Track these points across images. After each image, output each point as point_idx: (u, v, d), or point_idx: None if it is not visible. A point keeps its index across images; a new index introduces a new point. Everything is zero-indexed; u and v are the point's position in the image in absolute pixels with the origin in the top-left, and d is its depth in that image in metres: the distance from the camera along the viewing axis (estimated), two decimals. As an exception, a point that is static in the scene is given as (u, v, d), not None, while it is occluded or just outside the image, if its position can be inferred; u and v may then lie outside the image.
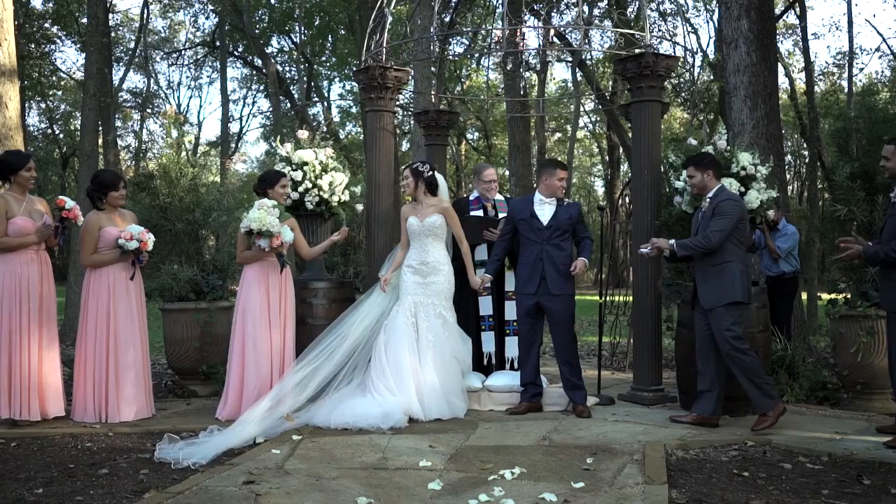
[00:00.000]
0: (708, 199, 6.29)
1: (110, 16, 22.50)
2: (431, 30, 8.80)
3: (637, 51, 7.29)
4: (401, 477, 4.84)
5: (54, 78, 31.27)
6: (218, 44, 27.80)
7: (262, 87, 34.36)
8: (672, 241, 6.30)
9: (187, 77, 36.80)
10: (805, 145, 25.89)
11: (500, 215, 7.43)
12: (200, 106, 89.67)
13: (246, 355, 6.57)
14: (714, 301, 6.14)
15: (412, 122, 20.63)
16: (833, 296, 7.24)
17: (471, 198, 7.79)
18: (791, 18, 26.01)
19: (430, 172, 7.01)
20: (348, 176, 7.47)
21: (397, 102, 8.70)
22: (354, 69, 9.09)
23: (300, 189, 7.19)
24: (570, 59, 23.34)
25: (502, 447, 5.58)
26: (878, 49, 26.43)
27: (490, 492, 4.48)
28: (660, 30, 21.29)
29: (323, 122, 30.29)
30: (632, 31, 7.66)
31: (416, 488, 4.60)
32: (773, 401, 6.04)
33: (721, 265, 6.13)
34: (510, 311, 7.44)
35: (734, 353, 6.05)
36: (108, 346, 6.42)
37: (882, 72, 28.59)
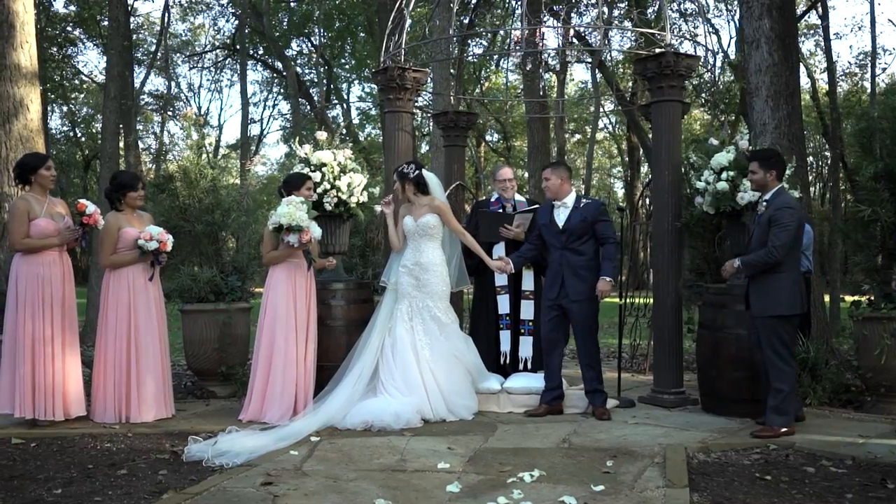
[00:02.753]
0: (765, 203, 6.13)
1: (131, 19, 22.64)
2: (451, 31, 8.78)
3: (657, 50, 7.23)
4: (419, 479, 4.82)
5: (76, 81, 31.51)
6: (238, 47, 27.91)
7: (281, 90, 34.51)
8: (738, 262, 6.13)
9: (207, 80, 36.97)
10: (827, 146, 25.68)
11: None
12: (221, 108, 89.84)
13: (274, 357, 6.56)
14: (762, 310, 6.05)
15: (431, 123, 20.65)
16: (856, 298, 7.13)
17: (491, 199, 7.78)
18: (813, 18, 25.80)
19: (416, 172, 7.00)
20: (367, 177, 7.45)
21: (416, 104, 8.68)
22: (373, 71, 9.08)
23: (319, 190, 7.18)
24: (589, 59, 23.25)
25: (521, 449, 5.55)
26: (900, 49, 26.09)
27: (509, 494, 4.45)
28: (680, 30, 21.18)
29: (342, 124, 30.35)
30: (652, 31, 7.60)
31: (434, 490, 4.58)
32: (784, 418, 5.96)
33: (774, 274, 6.01)
34: (526, 310, 7.41)
35: (775, 360, 5.97)
36: (128, 347, 6.44)
37: (906, 71, 28.32)
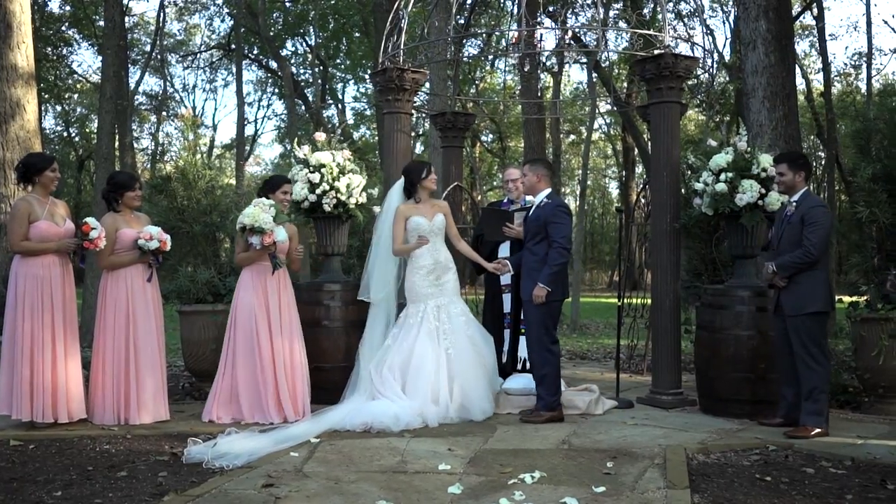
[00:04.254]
0: (794, 203, 6.19)
1: (126, 18, 22.59)
2: (449, 31, 8.77)
3: (657, 52, 7.24)
4: (420, 480, 4.82)
5: (70, 81, 31.42)
6: (233, 47, 27.87)
7: (276, 90, 34.49)
8: (772, 266, 6.16)
9: (202, 80, 36.93)
10: (822, 147, 25.74)
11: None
12: (215, 108, 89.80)
13: (236, 358, 6.56)
14: (797, 308, 6.07)
15: (426, 124, 20.64)
16: (854, 298, 7.16)
17: (503, 200, 7.83)
18: (807, 19, 25.89)
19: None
20: (365, 178, 7.45)
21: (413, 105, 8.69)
22: (370, 71, 9.07)
23: (318, 191, 7.18)
24: (585, 60, 23.28)
25: (521, 451, 5.55)
26: (895, 50, 26.20)
27: (511, 496, 4.45)
28: (675, 31, 21.21)
29: (337, 124, 30.32)
30: (650, 33, 7.61)
31: (435, 492, 4.58)
32: (820, 418, 5.98)
33: (807, 272, 6.05)
34: None
35: (809, 361, 6.00)
36: (126, 348, 6.41)
37: (899, 72, 28.40)
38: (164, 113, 33.35)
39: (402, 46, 7.89)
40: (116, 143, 18.47)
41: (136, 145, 31.00)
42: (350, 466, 5.13)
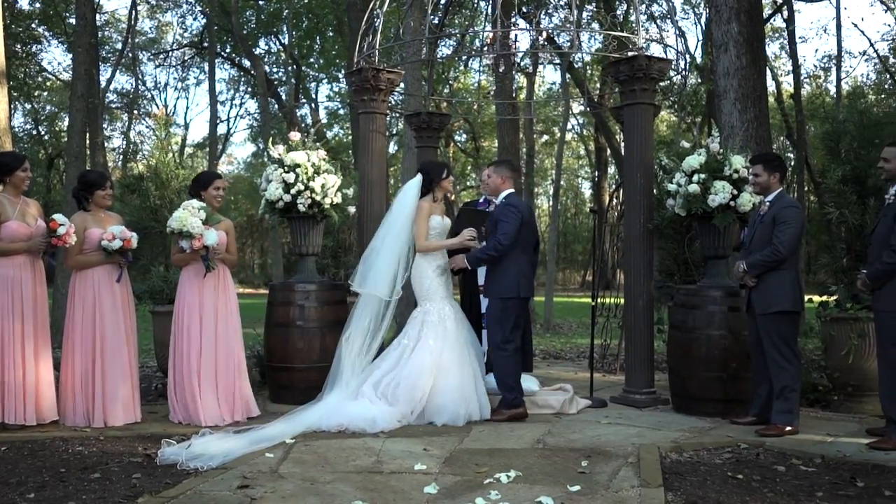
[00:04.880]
0: (768, 203, 6.30)
1: (97, 16, 22.36)
2: (424, 31, 8.78)
3: (630, 53, 7.29)
4: (396, 481, 4.82)
5: (40, 78, 31.05)
6: (206, 45, 27.69)
7: (249, 89, 34.27)
8: (743, 265, 6.26)
9: (174, 78, 36.58)
10: (791, 148, 26.03)
11: None
12: (187, 107, 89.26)
13: (175, 359, 6.53)
14: (765, 307, 6.16)
15: (400, 123, 20.63)
16: (824, 298, 7.26)
17: (479, 200, 7.84)
18: (778, 22, 26.16)
19: None
20: (341, 178, 7.43)
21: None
22: (343, 71, 9.06)
23: (292, 191, 7.15)
24: (558, 61, 23.37)
25: (497, 450, 5.57)
26: (864, 53, 26.58)
27: (486, 495, 4.47)
28: (647, 32, 21.36)
29: (311, 123, 30.22)
30: (624, 34, 7.66)
31: (412, 492, 4.59)
32: (791, 416, 6.07)
33: (777, 271, 6.15)
34: None
35: (779, 359, 6.10)
36: (94, 349, 6.36)
37: (867, 75, 28.81)
38: (135, 111, 33.04)
39: (377, 46, 7.89)
40: (87, 142, 18.28)
41: (106, 144, 30.67)
42: (325, 467, 5.13)
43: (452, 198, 26.73)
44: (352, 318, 6.86)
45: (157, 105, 33.69)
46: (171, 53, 33.83)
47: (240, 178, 39.26)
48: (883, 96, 26.81)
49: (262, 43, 30.70)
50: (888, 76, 27.38)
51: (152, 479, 4.86)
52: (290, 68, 30.07)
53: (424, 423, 6.40)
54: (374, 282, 6.79)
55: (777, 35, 28.26)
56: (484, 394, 6.63)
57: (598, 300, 8.60)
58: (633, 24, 7.62)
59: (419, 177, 6.95)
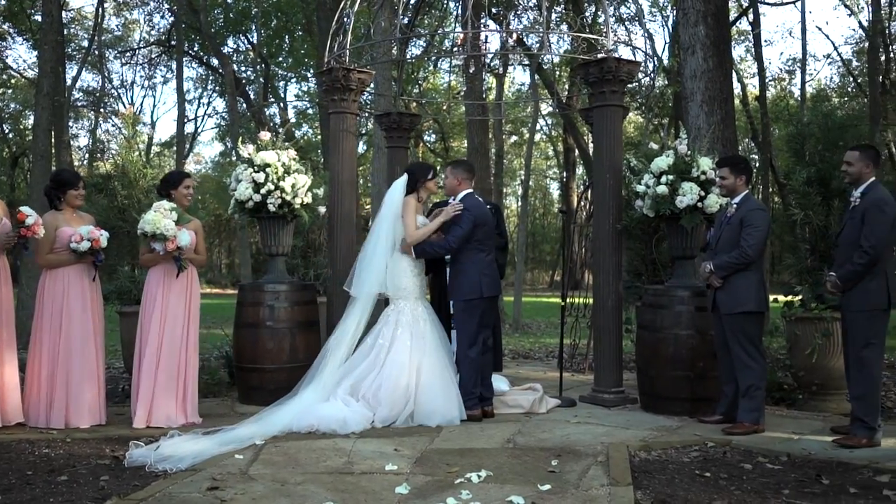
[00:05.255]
0: (735, 206, 6.38)
1: (63, 13, 22.09)
2: (395, 32, 8.79)
3: (600, 56, 7.34)
4: (367, 481, 4.82)
5: (4, 76, 30.61)
6: (173, 43, 27.44)
7: (217, 87, 34.02)
8: (709, 266, 6.33)
9: (141, 76, 36.21)
10: (756, 150, 26.35)
11: None
12: (154, 106, 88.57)
13: (142, 360, 6.46)
14: (731, 307, 6.24)
15: (369, 123, 20.58)
16: (789, 298, 7.36)
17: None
18: (744, 25, 26.46)
19: None
20: (311, 178, 7.41)
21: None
22: (312, 70, 9.03)
23: (262, 191, 7.12)
24: (527, 62, 23.47)
25: (467, 450, 5.59)
26: (828, 56, 26.99)
27: (458, 495, 4.48)
28: (616, 34, 21.49)
29: (279, 122, 30.06)
30: (593, 36, 7.71)
31: (383, 492, 4.59)
32: (756, 414, 6.16)
33: (742, 272, 6.23)
34: None
35: (745, 358, 6.18)
36: (61, 350, 6.28)
37: (831, 78, 29.25)
38: (101, 110, 32.66)
39: (348, 46, 7.88)
40: (53, 140, 18.06)
41: (73, 143, 30.32)
42: (296, 468, 5.11)
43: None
44: (343, 318, 6.84)
45: (123, 103, 33.35)
46: (138, 51, 33.50)
47: (207, 178, 38.98)
48: (846, 99, 27.25)
49: (230, 41, 30.55)
50: (851, 79, 27.84)
51: (120, 482, 4.83)
52: (258, 67, 29.91)
53: (415, 425, 6.36)
54: (367, 282, 6.81)
55: (743, 38, 28.60)
56: (459, 394, 6.64)
57: (568, 300, 8.66)
58: (602, 26, 7.67)
59: (405, 176, 6.97)
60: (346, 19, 7.95)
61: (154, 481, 4.80)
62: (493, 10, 16.66)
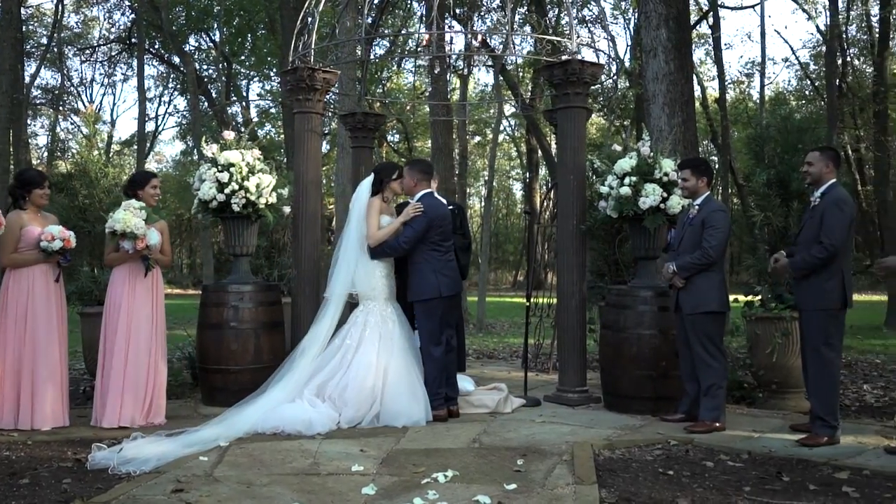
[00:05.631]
0: (696, 207, 6.47)
1: (22, 9, 21.73)
2: (361, 32, 8.78)
3: (564, 58, 7.40)
4: (334, 482, 4.82)
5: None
6: (134, 40, 27.12)
7: (178, 86, 33.66)
8: (672, 266, 6.40)
9: (101, 74, 35.73)
10: (716, 152, 26.67)
11: None
12: (114, 104, 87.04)
13: (105, 360, 6.41)
14: (693, 307, 6.33)
15: (333, 123, 20.52)
16: (749, 298, 7.47)
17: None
18: (703, 28, 26.78)
19: None
20: (276, 178, 7.37)
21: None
22: (275, 69, 8.98)
23: (226, 191, 7.07)
24: (491, 63, 23.55)
25: (433, 450, 5.61)
26: (786, 60, 27.41)
27: (424, 495, 4.50)
28: (578, 36, 21.64)
29: (242, 121, 29.82)
30: (557, 38, 7.77)
31: (349, 493, 4.59)
32: (717, 413, 6.25)
33: (704, 273, 6.32)
34: None
35: (706, 358, 6.28)
36: (24, 350, 6.20)
37: (789, 81, 29.71)
38: (61, 108, 32.17)
39: (312, 46, 7.85)
40: (11, 139, 17.77)
41: (31, 141, 29.82)
42: (262, 469, 5.09)
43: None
44: (318, 321, 6.84)
45: (83, 101, 32.88)
46: (98, 49, 33.04)
47: (168, 177, 38.56)
48: (804, 102, 27.70)
49: (192, 40, 30.28)
50: (809, 83, 28.29)
51: (83, 485, 4.78)
52: (220, 66, 29.66)
53: (380, 426, 6.36)
54: (338, 283, 6.84)
55: (703, 41, 28.94)
56: (426, 395, 6.65)
57: (532, 300, 8.71)
58: (565, 28, 7.73)
59: (371, 176, 7.00)
60: (310, 19, 7.93)
61: (118, 484, 4.76)
62: (457, 11, 16.68)
